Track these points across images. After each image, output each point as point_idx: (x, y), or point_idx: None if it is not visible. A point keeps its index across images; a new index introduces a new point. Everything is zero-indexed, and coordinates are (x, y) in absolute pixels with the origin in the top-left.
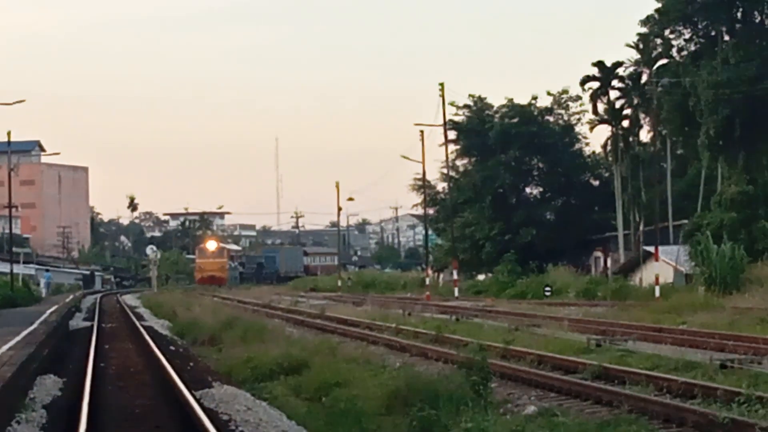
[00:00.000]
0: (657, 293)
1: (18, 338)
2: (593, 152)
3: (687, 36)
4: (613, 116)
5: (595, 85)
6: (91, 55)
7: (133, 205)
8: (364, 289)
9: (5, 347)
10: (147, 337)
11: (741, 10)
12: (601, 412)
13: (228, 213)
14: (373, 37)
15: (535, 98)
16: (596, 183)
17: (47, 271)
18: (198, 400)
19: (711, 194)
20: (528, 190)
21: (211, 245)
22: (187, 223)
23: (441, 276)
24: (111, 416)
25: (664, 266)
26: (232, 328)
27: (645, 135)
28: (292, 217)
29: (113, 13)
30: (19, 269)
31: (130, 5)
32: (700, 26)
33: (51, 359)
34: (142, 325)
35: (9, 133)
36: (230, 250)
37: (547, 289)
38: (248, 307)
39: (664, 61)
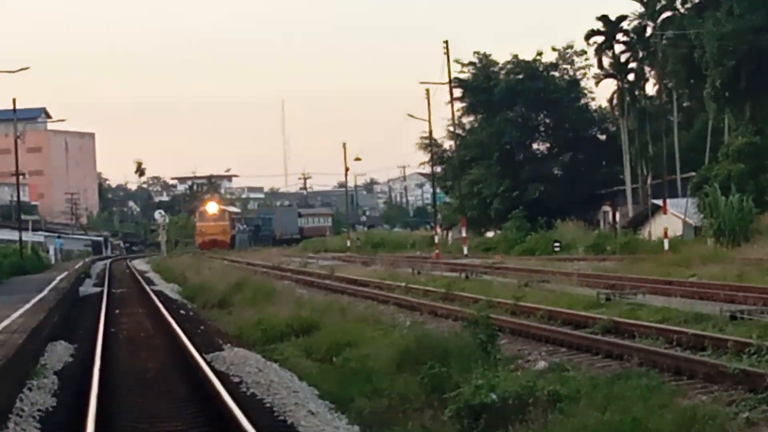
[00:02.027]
0: (666, 246)
1: (28, 305)
2: (599, 107)
3: None
4: (618, 70)
5: (600, 39)
6: (94, 19)
7: (140, 170)
8: (373, 249)
9: (15, 314)
10: (157, 302)
11: None
12: (611, 365)
13: (235, 176)
14: None
15: (540, 54)
16: (603, 137)
17: (59, 237)
18: (209, 363)
19: (718, 146)
20: (535, 146)
21: (212, 207)
22: (194, 187)
23: (450, 234)
24: (122, 381)
25: (673, 219)
26: (241, 291)
27: (651, 88)
28: (299, 178)
29: None
30: (28, 237)
31: None
32: None
33: (61, 325)
34: (152, 290)
35: (14, 101)
36: (232, 212)
37: (556, 244)
38: (257, 270)
39: (668, 13)
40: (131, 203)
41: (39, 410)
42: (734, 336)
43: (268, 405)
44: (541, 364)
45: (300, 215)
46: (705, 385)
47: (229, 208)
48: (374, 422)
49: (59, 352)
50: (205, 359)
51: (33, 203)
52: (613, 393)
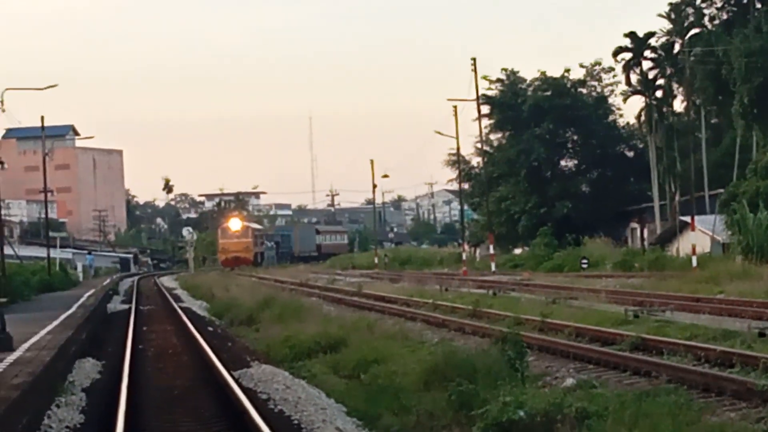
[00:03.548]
0: (694, 263)
1: (56, 322)
2: (627, 123)
3: (719, 4)
4: (646, 87)
5: (628, 56)
6: (122, 37)
7: (168, 187)
8: (401, 265)
9: (44, 331)
10: (185, 319)
11: None
12: (639, 383)
13: (263, 193)
14: (404, 12)
15: (567, 71)
16: (631, 154)
17: (89, 254)
18: (237, 380)
19: (746, 162)
20: (563, 162)
21: (235, 224)
22: (222, 203)
23: (477, 251)
24: (150, 398)
25: (701, 236)
26: (269, 308)
27: (679, 105)
28: (327, 195)
29: None
30: (56, 253)
31: None
32: None
33: (90, 342)
34: (180, 307)
35: (42, 118)
36: (255, 229)
37: (584, 261)
38: (285, 286)
39: (696, 30)
40: (159, 220)
41: (67, 427)
42: (763, 353)
43: (296, 422)
44: (569, 381)
45: (318, 232)
46: (733, 403)
47: (252, 225)
48: None
49: (87, 369)
50: (232, 376)
51: (61, 220)
52: (642, 410)
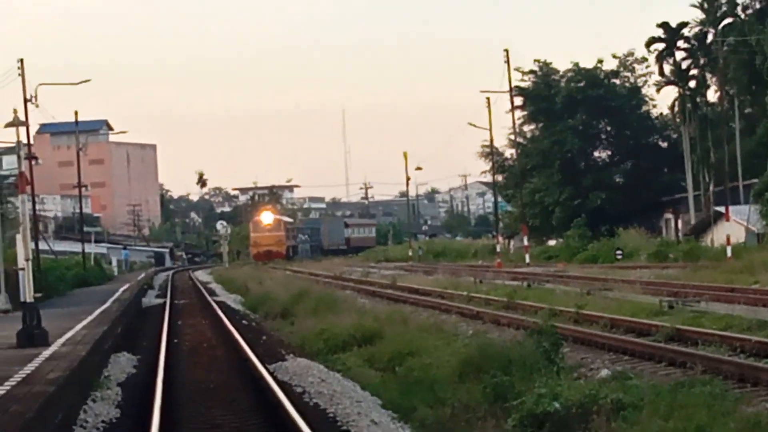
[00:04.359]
0: (729, 253)
1: (91, 317)
2: (661, 114)
3: None
4: (679, 77)
5: (661, 46)
6: (155, 31)
7: (202, 181)
8: (435, 258)
9: (79, 326)
10: (219, 312)
11: None
12: (675, 373)
13: (297, 186)
14: (438, 4)
15: (600, 61)
16: (665, 145)
17: (124, 248)
18: (272, 374)
19: None
20: (596, 153)
21: (267, 218)
22: (256, 197)
23: (511, 243)
24: (185, 392)
25: (735, 226)
26: (303, 301)
27: (712, 95)
28: (360, 188)
29: None
30: (91, 248)
31: None
32: None
33: (125, 337)
34: (215, 301)
35: (76, 113)
36: (287, 222)
37: (618, 252)
38: (319, 279)
39: (729, 20)
40: (193, 214)
41: (103, 422)
42: None
43: (331, 415)
44: (604, 373)
45: (347, 225)
46: None
47: (284, 218)
48: (437, 431)
49: (122, 364)
50: (267, 369)
51: (95, 215)
52: (677, 401)
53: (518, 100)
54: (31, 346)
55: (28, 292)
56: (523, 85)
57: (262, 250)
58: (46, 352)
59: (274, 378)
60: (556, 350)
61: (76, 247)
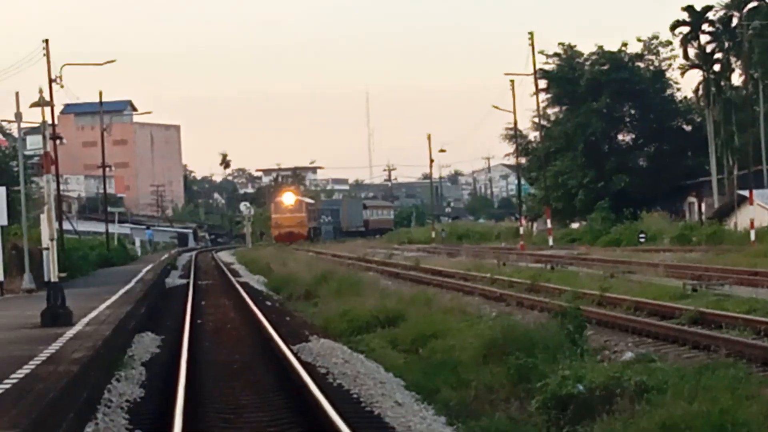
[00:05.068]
0: (752, 237)
1: (115, 297)
2: (685, 97)
3: None
4: (704, 61)
5: (686, 29)
6: (179, 12)
7: (225, 162)
8: (458, 240)
9: (103, 306)
10: (243, 293)
11: None
12: (698, 357)
13: (320, 168)
14: None
15: (625, 45)
16: (688, 128)
17: (148, 229)
18: (295, 354)
19: None
20: (620, 137)
21: (288, 198)
22: (279, 178)
23: (535, 225)
24: (209, 372)
25: (759, 210)
26: (327, 282)
27: (737, 79)
28: (384, 170)
29: None
30: (114, 228)
31: None
32: None
33: (148, 317)
34: (238, 282)
35: (101, 94)
36: (309, 203)
37: (642, 235)
38: (343, 261)
39: (754, 3)
40: (216, 195)
41: (127, 401)
42: None
43: (355, 396)
44: (628, 355)
45: (365, 207)
46: None
47: (305, 200)
48: (461, 413)
49: (146, 344)
50: (291, 350)
51: (119, 195)
52: (701, 384)
53: (542, 83)
54: (56, 326)
55: (52, 272)
56: (547, 68)
57: (284, 231)
58: (71, 332)
59: (298, 359)
60: (580, 332)
61: (100, 227)
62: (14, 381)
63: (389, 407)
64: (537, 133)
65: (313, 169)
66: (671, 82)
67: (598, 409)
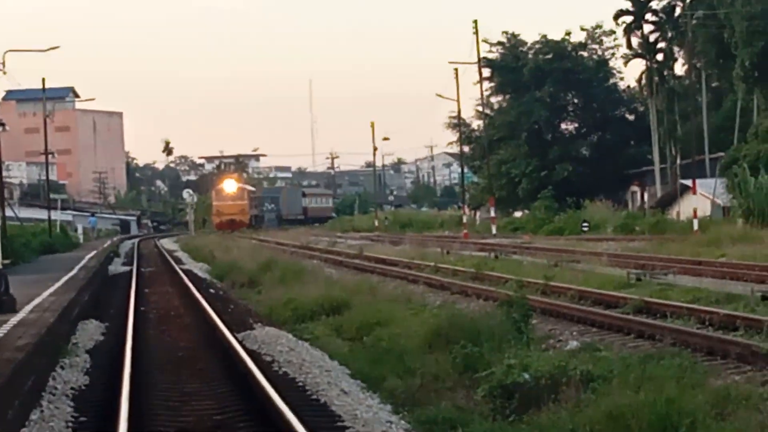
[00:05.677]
0: (695, 227)
1: (59, 284)
2: (628, 87)
3: None
4: (647, 50)
5: (629, 19)
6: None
7: (168, 150)
8: (402, 228)
9: (46, 293)
10: (187, 281)
11: None
12: (643, 345)
13: (263, 155)
14: None
15: (568, 34)
16: (632, 117)
17: (92, 215)
18: (240, 342)
19: (747, 126)
20: (563, 125)
21: (230, 186)
22: (222, 166)
23: (478, 214)
24: (154, 360)
25: (702, 199)
26: (271, 270)
27: (680, 68)
28: (327, 158)
29: None
30: (57, 215)
31: None
32: None
33: (92, 304)
34: (181, 269)
35: (44, 80)
36: (250, 190)
37: (585, 224)
38: (286, 249)
39: None
40: (159, 183)
41: (72, 388)
42: (766, 316)
43: (300, 384)
44: (573, 344)
45: (304, 195)
46: (738, 366)
47: (247, 187)
48: (406, 401)
49: (90, 331)
50: (236, 338)
51: (61, 182)
52: (646, 373)
53: (486, 72)
54: None
55: None
56: (491, 56)
57: (225, 219)
58: (14, 319)
59: (243, 346)
60: (526, 321)
61: (42, 214)
62: None
63: (335, 395)
64: (480, 122)
65: (256, 157)
66: (614, 71)
67: (543, 398)
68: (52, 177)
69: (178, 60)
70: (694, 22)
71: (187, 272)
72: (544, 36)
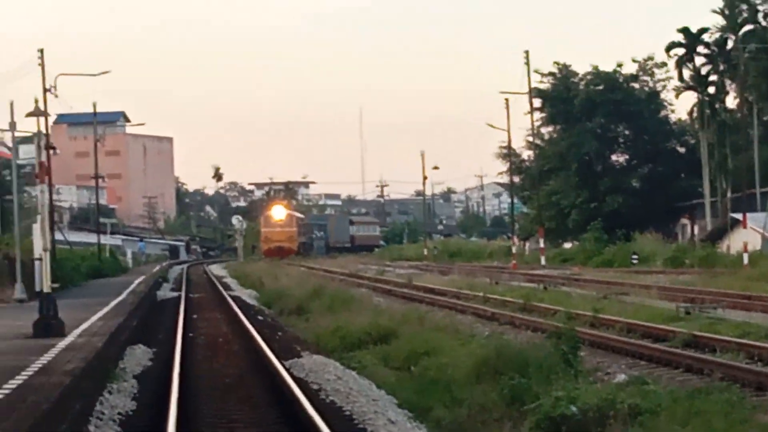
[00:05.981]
0: (745, 260)
1: (107, 308)
2: (679, 119)
3: None
4: (698, 83)
5: (681, 51)
6: (174, 24)
7: (218, 175)
8: (450, 258)
9: (95, 317)
10: (235, 307)
11: None
12: (692, 380)
13: (313, 182)
14: (458, 4)
15: (620, 65)
16: (682, 150)
17: (141, 240)
18: (288, 370)
19: None
20: (614, 157)
21: (278, 213)
22: (272, 192)
23: (527, 244)
24: (201, 386)
25: (752, 233)
26: (319, 298)
27: (731, 101)
28: (377, 186)
29: None
30: (106, 240)
31: None
32: None
33: (140, 329)
34: (230, 295)
35: (95, 105)
36: (299, 217)
37: (634, 256)
38: (335, 277)
39: (750, 26)
40: (208, 208)
41: (119, 413)
42: None
43: (347, 413)
44: (621, 377)
45: (352, 222)
46: None
47: (296, 214)
48: None
49: (138, 356)
50: (284, 365)
51: (111, 206)
52: (694, 407)
53: (537, 102)
54: (48, 337)
55: (45, 282)
56: (542, 87)
57: (274, 245)
58: (63, 343)
59: (290, 374)
60: (575, 353)
61: (91, 238)
62: (6, 392)
63: (382, 425)
64: (531, 152)
65: (306, 184)
66: (666, 103)
67: (591, 430)
68: (102, 201)
69: (230, 86)
70: (746, 55)
71: (236, 299)
72: (596, 67)
